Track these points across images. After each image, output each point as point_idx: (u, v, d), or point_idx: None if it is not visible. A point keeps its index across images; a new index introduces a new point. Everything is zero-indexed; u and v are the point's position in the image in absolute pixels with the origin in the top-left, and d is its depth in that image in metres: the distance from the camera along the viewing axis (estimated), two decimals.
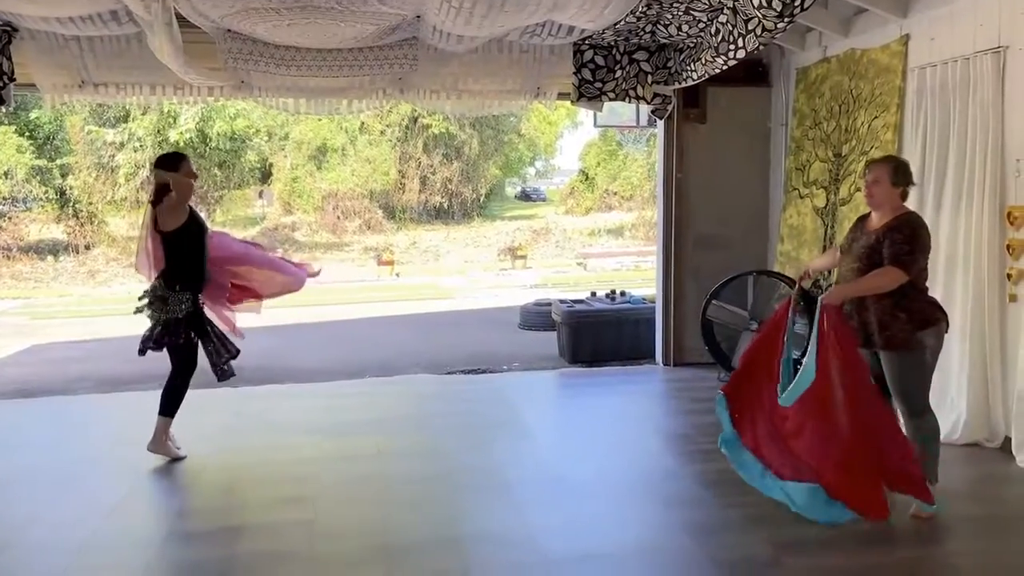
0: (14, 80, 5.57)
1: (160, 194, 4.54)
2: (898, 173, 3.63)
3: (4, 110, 6.04)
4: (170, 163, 4.60)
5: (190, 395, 4.72)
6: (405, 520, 3.73)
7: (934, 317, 3.61)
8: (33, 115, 21.27)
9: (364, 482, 4.26)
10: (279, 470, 4.45)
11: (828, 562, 3.24)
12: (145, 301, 4.56)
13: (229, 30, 5.30)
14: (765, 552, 3.31)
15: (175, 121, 22.35)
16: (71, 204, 21.62)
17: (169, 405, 4.60)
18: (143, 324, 4.63)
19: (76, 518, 3.78)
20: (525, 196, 36.91)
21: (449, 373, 7.07)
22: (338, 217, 25.05)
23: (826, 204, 6.00)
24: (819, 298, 3.54)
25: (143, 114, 22.01)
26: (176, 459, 4.59)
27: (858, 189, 5.34)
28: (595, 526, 3.64)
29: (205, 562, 3.42)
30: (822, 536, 3.47)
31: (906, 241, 3.48)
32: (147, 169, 20.41)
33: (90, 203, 21.61)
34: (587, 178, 31.11)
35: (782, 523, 3.58)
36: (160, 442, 4.58)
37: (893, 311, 3.53)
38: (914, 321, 3.54)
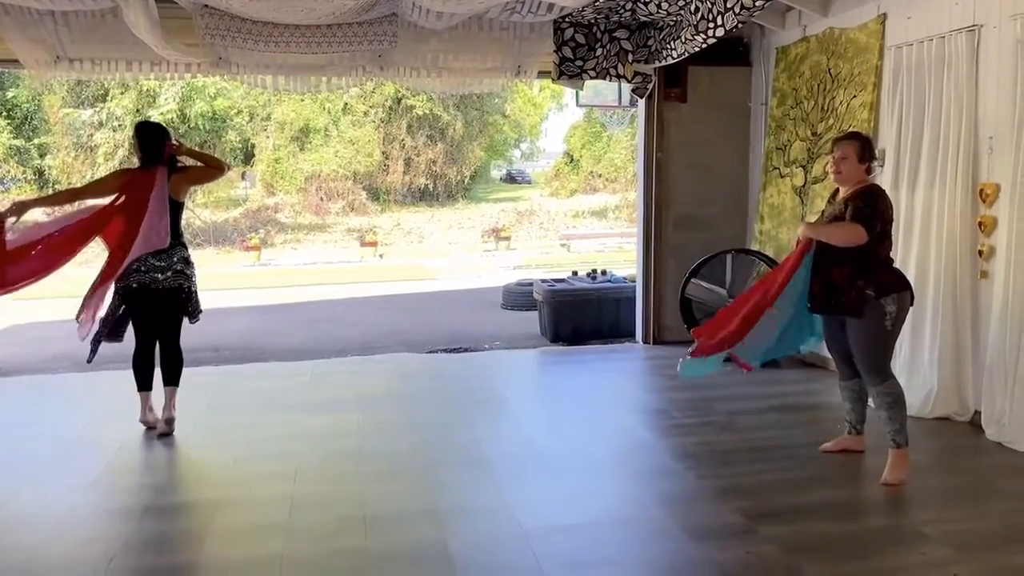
0: None
1: (173, 163, 4.60)
2: (864, 149, 3.82)
3: None
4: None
5: None
6: (384, 493, 3.76)
7: (896, 285, 3.76)
8: (10, 94, 20.99)
9: (345, 457, 4.29)
10: (260, 447, 4.46)
11: (799, 530, 3.29)
12: (177, 269, 4.54)
13: (206, 5, 5.26)
14: (737, 522, 3.37)
15: (155, 101, 22.11)
16: (50, 185, 21.39)
17: (179, 372, 4.65)
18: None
19: (54, 493, 3.79)
20: (510, 178, 36.77)
21: (431, 352, 7.09)
22: (321, 198, 24.90)
23: (804, 183, 6.05)
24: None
25: (122, 93, 21.75)
26: (163, 434, 4.59)
27: None
28: (570, 498, 3.68)
29: (183, 533, 3.44)
30: (794, 506, 3.54)
31: (866, 205, 3.70)
32: (126, 149, 20.20)
33: (69, 183, 21.36)
34: (572, 160, 31.05)
35: (755, 494, 3.66)
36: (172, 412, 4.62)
37: (852, 279, 3.72)
38: (874, 288, 3.69)
